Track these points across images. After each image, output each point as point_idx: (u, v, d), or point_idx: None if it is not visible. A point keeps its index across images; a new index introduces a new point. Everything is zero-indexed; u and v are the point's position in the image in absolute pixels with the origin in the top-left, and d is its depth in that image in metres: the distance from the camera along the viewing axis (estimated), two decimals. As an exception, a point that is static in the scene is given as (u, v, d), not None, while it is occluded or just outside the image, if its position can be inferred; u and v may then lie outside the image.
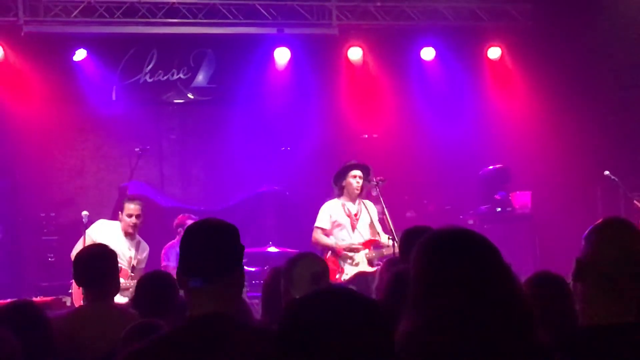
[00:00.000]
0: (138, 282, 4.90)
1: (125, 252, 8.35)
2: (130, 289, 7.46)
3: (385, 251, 8.71)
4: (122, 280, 8.11)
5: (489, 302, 2.29)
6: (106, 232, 8.43)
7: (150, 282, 4.73)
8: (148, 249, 8.73)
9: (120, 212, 8.56)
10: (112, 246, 7.98)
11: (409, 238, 5.33)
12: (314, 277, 4.58)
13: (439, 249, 2.38)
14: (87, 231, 8.36)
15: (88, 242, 7.89)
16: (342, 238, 8.91)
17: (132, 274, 8.32)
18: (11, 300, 5.18)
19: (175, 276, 3.03)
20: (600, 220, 2.91)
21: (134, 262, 8.46)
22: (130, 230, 8.48)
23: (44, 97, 11.45)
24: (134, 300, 4.71)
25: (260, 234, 11.01)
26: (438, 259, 2.36)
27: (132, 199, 8.65)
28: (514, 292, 2.36)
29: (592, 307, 2.72)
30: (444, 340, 2.26)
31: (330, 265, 8.67)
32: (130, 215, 8.43)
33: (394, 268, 4.59)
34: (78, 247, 8.08)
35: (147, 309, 4.50)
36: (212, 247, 2.87)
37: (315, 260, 4.81)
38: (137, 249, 8.55)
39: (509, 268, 2.39)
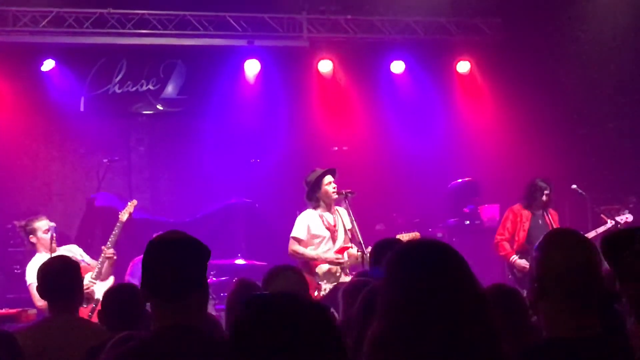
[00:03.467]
0: (104, 296, 4.84)
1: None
2: None
3: (359, 259, 8.20)
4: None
5: (457, 313, 2.30)
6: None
7: (116, 295, 4.67)
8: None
9: None
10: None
11: (379, 250, 5.41)
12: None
13: (409, 262, 2.40)
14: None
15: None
16: (324, 250, 8.51)
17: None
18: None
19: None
20: (547, 233, 2.93)
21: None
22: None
23: (11, 107, 11.36)
24: (99, 314, 4.65)
25: (230, 245, 10.95)
26: (407, 271, 2.37)
27: None
28: (481, 304, 2.37)
29: (555, 322, 2.73)
30: (408, 347, 2.27)
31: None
32: None
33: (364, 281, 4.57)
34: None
35: (114, 322, 4.45)
36: (175, 267, 2.83)
37: (294, 275, 4.65)
38: None
39: (476, 280, 2.40)
